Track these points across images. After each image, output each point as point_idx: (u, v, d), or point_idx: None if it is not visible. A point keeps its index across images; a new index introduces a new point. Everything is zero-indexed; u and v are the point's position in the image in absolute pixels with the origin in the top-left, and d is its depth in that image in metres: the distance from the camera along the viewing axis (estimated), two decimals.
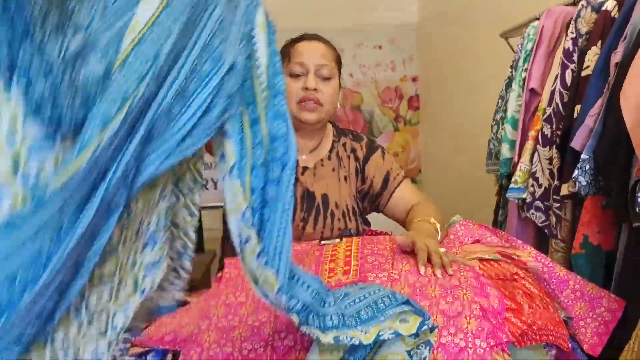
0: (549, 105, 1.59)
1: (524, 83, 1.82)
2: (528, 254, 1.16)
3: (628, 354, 1.16)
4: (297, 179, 1.35)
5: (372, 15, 4.15)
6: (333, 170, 1.42)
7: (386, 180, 1.44)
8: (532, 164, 1.63)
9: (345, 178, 1.42)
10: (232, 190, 0.64)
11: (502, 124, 1.95)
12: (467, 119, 3.18)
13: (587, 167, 1.30)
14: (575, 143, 1.36)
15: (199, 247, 2.93)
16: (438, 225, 1.22)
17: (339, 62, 1.44)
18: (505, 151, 1.88)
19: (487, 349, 0.86)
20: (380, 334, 0.81)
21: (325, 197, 1.38)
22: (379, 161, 1.45)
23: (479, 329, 0.88)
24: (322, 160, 1.42)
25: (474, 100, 3.08)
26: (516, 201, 1.73)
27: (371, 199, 1.46)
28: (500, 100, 2.08)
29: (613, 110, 1.23)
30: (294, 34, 1.45)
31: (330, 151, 1.44)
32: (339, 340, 0.77)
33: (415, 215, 1.31)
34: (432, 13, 3.95)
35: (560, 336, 0.99)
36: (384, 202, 1.45)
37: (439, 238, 1.20)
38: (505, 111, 1.94)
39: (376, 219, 1.52)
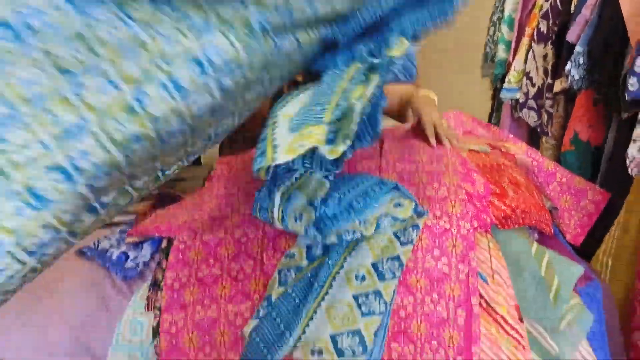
0: (547, 0, 1.54)
1: None
2: (518, 148, 1.17)
3: (609, 241, 1.21)
4: None
5: None
6: None
7: None
8: (526, 64, 1.61)
9: None
10: None
11: (499, 24, 1.90)
12: (461, 29, 3.08)
13: (581, 60, 1.28)
14: (571, 35, 1.34)
15: (196, 160, 2.93)
16: (435, 99, 1.21)
17: None
18: (501, 52, 1.85)
19: (471, 230, 0.89)
20: (379, 223, 0.84)
21: None
22: None
23: (464, 212, 0.90)
24: None
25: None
26: (509, 102, 1.72)
27: None
28: (497, 1, 2.02)
29: None
30: None
31: None
32: (342, 239, 0.81)
33: (403, 88, 1.29)
34: None
35: (543, 220, 1.01)
36: None
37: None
38: (502, 11, 1.89)
39: None
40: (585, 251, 1.29)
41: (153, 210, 1.11)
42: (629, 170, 1.08)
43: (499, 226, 0.95)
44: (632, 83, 1.04)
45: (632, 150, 1.07)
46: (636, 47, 1.03)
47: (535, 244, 0.94)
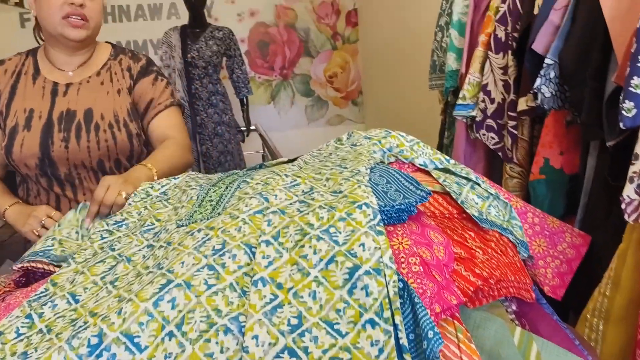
0: (503, 1, 1.35)
1: None
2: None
3: (599, 298, 1.01)
4: (54, 102, 1.40)
5: None
6: (102, 84, 1.45)
7: (148, 106, 1.49)
8: (482, 76, 1.42)
9: (119, 91, 1.46)
10: None
11: (447, 29, 1.72)
12: (408, 32, 2.92)
13: (552, 74, 1.10)
14: (538, 45, 1.15)
15: None
16: (154, 171, 1.26)
17: None
18: (451, 61, 1.66)
19: (433, 318, 0.66)
20: None
21: (89, 112, 1.41)
22: (148, 86, 1.49)
23: (420, 291, 0.67)
24: (90, 76, 1.45)
25: (415, 10, 2.82)
26: (464, 120, 1.52)
27: (140, 120, 1.49)
28: (444, 2, 1.83)
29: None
30: None
31: (102, 67, 1.48)
32: None
33: (152, 153, 1.39)
34: None
35: (523, 286, 0.80)
36: (145, 127, 1.49)
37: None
38: (450, 14, 1.70)
39: None
40: (566, 305, 1.10)
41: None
42: (625, 215, 0.89)
43: (469, 305, 0.73)
44: (628, 107, 0.84)
45: (628, 191, 0.87)
46: (630, 61, 0.84)
47: (518, 330, 0.72)
